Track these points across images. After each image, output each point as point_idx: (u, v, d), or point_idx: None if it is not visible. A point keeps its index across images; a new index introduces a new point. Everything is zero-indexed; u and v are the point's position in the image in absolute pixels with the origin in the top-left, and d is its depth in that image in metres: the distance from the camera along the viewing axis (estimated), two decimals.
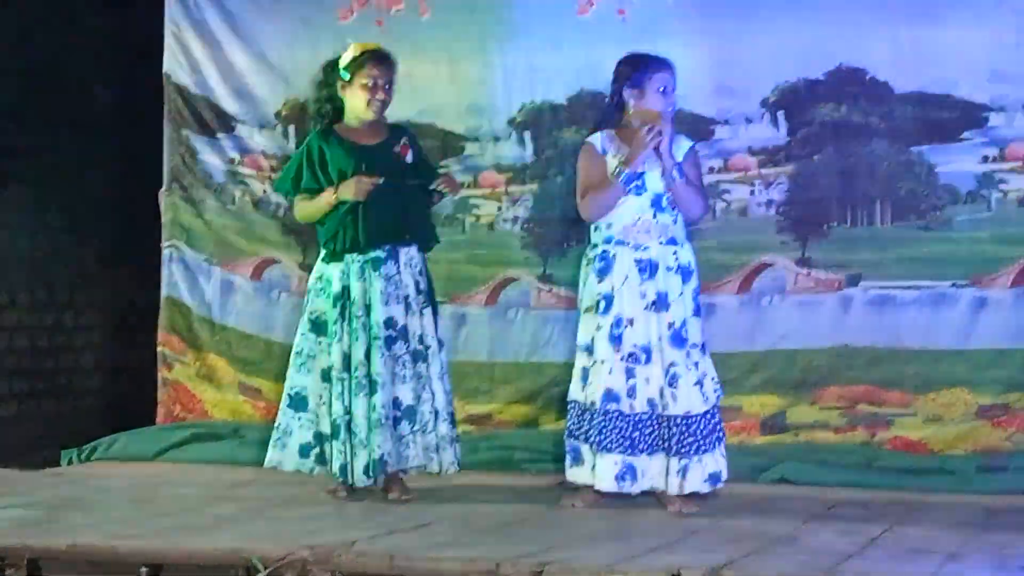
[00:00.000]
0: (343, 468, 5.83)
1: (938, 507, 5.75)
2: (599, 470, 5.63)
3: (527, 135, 7.35)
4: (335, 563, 4.58)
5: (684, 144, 5.73)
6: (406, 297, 5.96)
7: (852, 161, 6.82)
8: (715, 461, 5.62)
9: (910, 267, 6.71)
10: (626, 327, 5.64)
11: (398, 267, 5.97)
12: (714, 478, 5.61)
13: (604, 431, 5.62)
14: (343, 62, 5.99)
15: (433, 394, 5.95)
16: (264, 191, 7.70)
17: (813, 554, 4.70)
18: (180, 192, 7.86)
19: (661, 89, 5.68)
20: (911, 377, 6.67)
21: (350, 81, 5.98)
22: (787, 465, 6.42)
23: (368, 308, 5.91)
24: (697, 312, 5.69)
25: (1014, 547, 4.83)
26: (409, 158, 6.05)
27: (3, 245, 8.19)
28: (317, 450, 5.95)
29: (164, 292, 7.89)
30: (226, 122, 7.79)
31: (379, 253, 5.95)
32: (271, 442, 6.01)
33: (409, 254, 6.03)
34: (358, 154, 5.95)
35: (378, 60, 6.01)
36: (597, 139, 5.77)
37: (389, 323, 5.90)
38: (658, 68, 5.71)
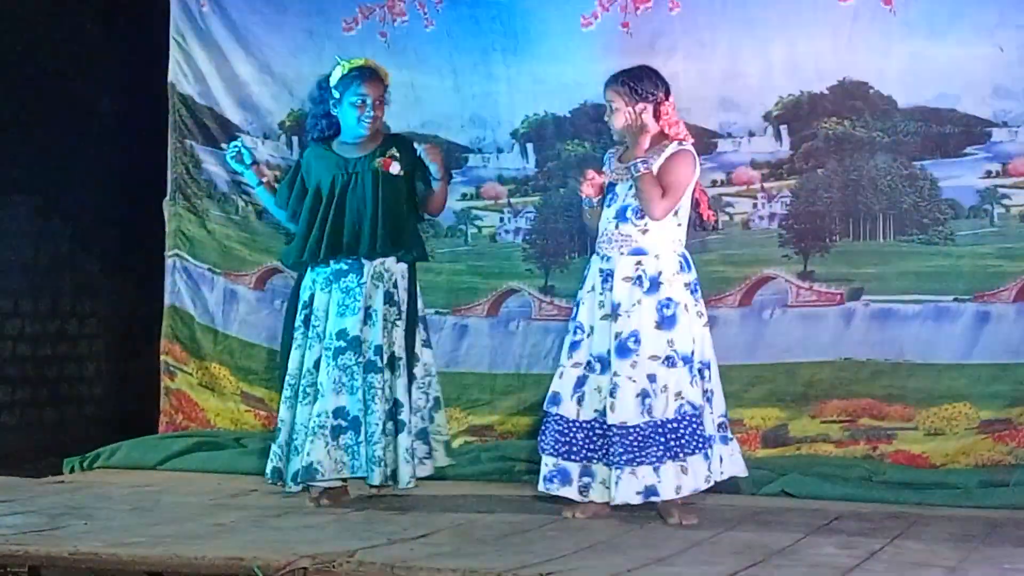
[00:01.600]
0: (275, 471, 6.02)
1: (939, 521, 5.75)
2: (542, 470, 5.80)
3: (530, 147, 7.36)
4: (336, 572, 4.58)
5: (673, 147, 5.76)
6: (367, 308, 5.99)
7: (855, 175, 6.83)
8: (653, 476, 5.56)
9: (912, 281, 6.71)
10: (586, 335, 5.76)
11: (361, 279, 6.01)
12: (648, 491, 5.56)
13: (544, 432, 5.81)
14: (332, 80, 6.11)
15: (397, 406, 5.97)
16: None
17: (814, 567, 4.71)
18: (184, 202, 7.87)
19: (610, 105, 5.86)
20: (913, 391, 6.67)
21: (340, 99, 6.07)
22: (788, 478, 6.42)
23: (326, 318, 6.03)
24: (663, 324, 5.65)
25: (1015, 561, 4.83)
26: (394, 170, 6.09)
27: (7, 254, 8.20)
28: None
29: (167, 301, 7.90)
30: (230, 132, 7.79)
31: (341, 265, 6.07)
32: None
33: (383, 266, 6.06)
34: (335, 167, 6.10)
35: (366, 78, 6.12)
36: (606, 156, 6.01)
37: (341, 334, 6.00)
38: (605, 87, 5.87)
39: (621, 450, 5.59)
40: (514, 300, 7.34)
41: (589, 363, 5.73)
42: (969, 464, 6.48)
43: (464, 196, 7.45)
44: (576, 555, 4.86)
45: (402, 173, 6.12)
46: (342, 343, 5.97)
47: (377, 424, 5.92)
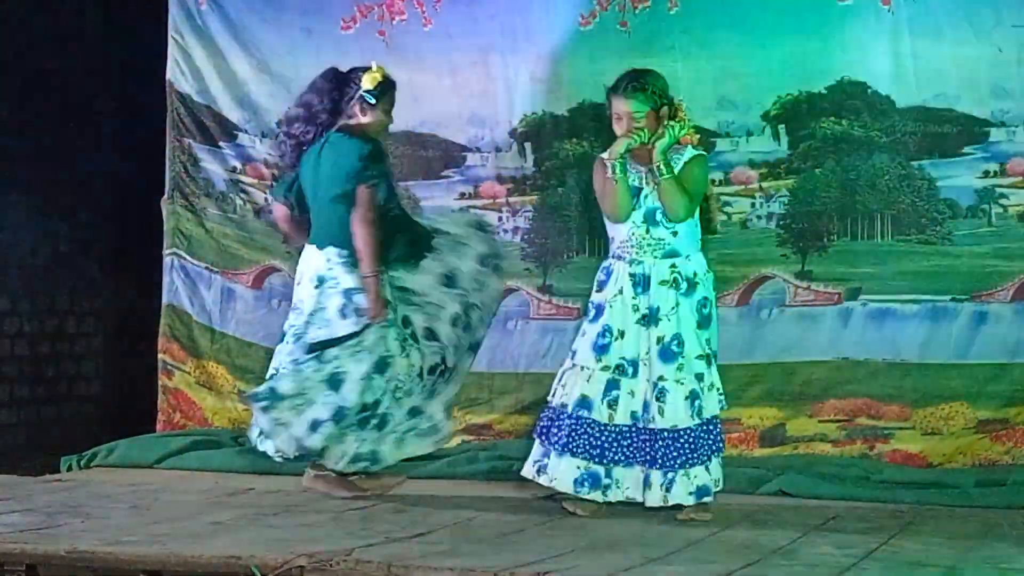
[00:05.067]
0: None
1: (936, 520, 5.74)
2: (560, 471, 5.70)
3: (528, 146, 7.37)
4: (333, 571, 4.58)
5: (689, 152, 5.74)
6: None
7: (853, 175, 6.84)
8: (705, 474, 5.62)
9: (910, 281, 6.72)
10: (615, 339, 5.69)
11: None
12: (702, 491, 5.60)
13: (573, 435, 5.69)
14: (369, 84, 6.00)
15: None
16: (265, 200, 7.72)
17: (811, 567, 4.70)
18: (181, 200, 7.87)
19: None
20: (910, 391, 6.68)
21: (373, 105, 6.01)
22: (786, 477, 6.42)
23: None
24: (703, 323, 5.68)
25: (1012, 561, 4.83)
26: None
27: (5, 252, 8.20)
28: None
29: (165, 300, 7.90)
30: (228, 131, 7.80)
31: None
32: None
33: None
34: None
35: (394, 88, 6.12)
36: None
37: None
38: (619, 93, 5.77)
39: (675, 453, 5.60)
40: (512, 299, 7.33)
41: (620, 367, 5.70)
42: (966, 464, 6.49)
43: (462, 195, 7.45)
44: (573, 554, 4.86)
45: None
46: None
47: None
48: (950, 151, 6.69)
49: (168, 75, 7.86)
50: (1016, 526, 5.58)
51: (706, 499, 5.62)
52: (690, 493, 5.59)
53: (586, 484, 5.72)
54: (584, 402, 5.69)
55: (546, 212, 7.33)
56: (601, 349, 5.68)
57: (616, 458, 5.70)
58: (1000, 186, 6.64)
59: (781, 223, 6.94)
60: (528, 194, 7.38)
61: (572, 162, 7.23)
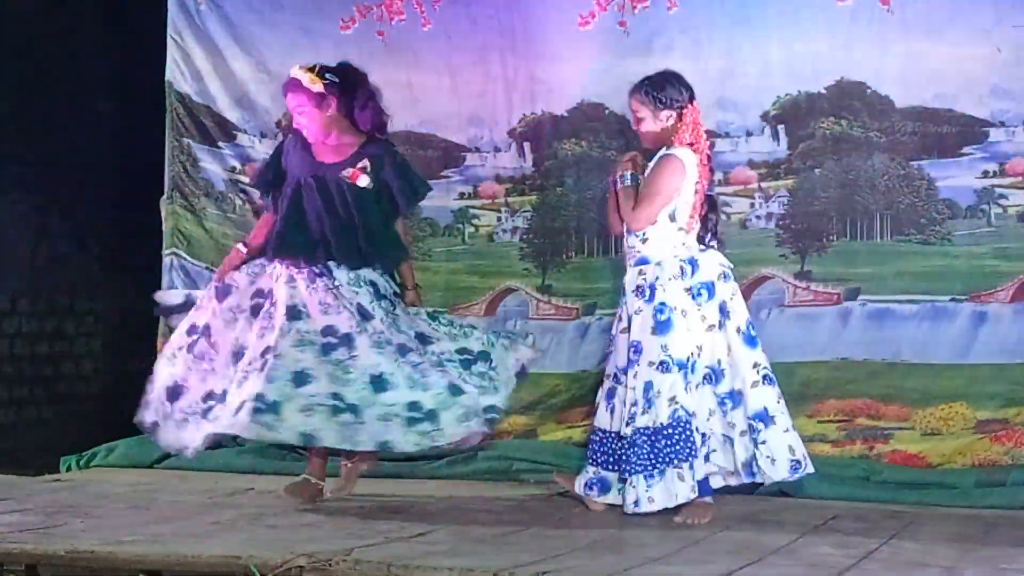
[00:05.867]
0: None
1: (936, 521, 5.75)
2: (581, 475, 5.92)
3: (527, 146, 7.36)
4: (332, 571, 4.58)
5: (659, 154, 5.79)
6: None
7: (852, 175, 6.83)
8: (642, 485, 5.59)
9: (909, 281, 6.72)
10: (611, 348, 5.88)
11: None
12: (636, 503, 5.60)
13: (588, 442, 5.93)
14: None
15: None
16: (265, 199, 7.70)
17: (810, 567, 4.71)
18: (181, 200, 7.85)
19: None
20: (910, 391, 6.67)
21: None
22: None
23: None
24: (658, 330, 5.67)
25: (1012, 561, 4.83)
26: (362, 182, 5.98)
27: (4, 252, 8.20)
28: None
29: None
30: (227, 131, 7.79)
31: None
32: None
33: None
34: (308, 169, 6.03)
35: (287, 89, 6.13)
36: None
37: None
38: (629, 95, 5.89)
39: (624, 457, 5.67)
40: (512, 299, 7.34)
41: (615, 375, 5.83)
42: (966, 464, 6.48)
43: (461, 195, 7.45)
44: (573, 554, 4.86)
45: (370, 186, 6.00)
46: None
47: None
48: (949, 151, 6.69)
49: (167, 75, 7.85)
50: (1016, 526, 5.59)
51: (636, 510, 5.59)
52: (634, 502, 5.62)
53: (595, 488, 5.86)
54: (595, 409, 5.95)
55: (545, 212, 7.32)
56: (605, 358, 5.96)
57: (608, 465, 5.84)
58: (999, 186, 6.64)
59: (780, 223, 6.94)
60: (527, 194, 7.38)
61: (571, 162, 7.23)
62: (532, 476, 6.76)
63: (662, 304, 5.68)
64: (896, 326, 6.72)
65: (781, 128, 6.92)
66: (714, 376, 5.74)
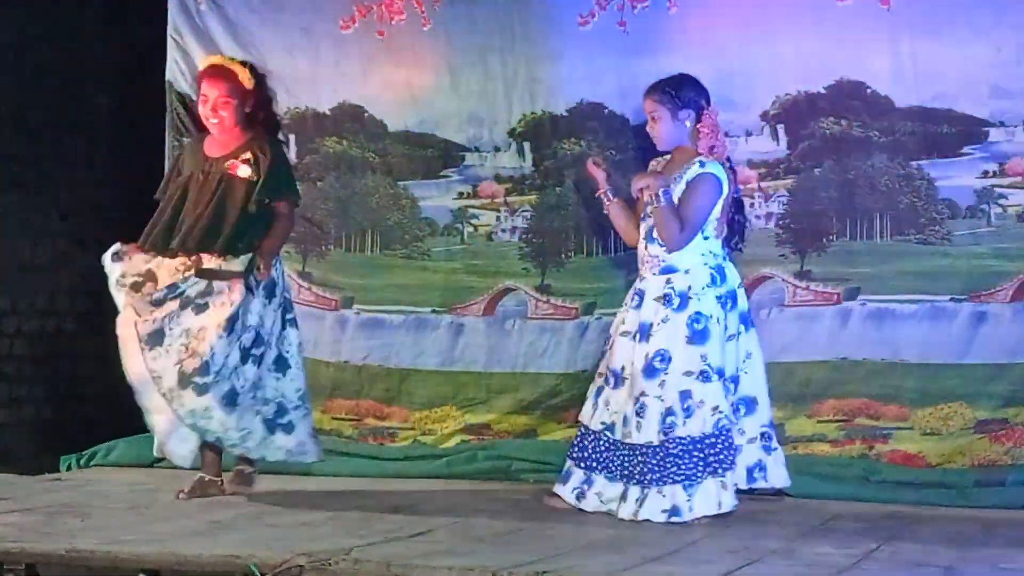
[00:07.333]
0: None
1: (935, 521, 5.76)
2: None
3: (527, 146, 7.37)
4: (332, 570, 4.58)
5: (693, 170, 5.75)
6: None
7: (852, 175, 6.84)
8: (681, 494, 5.55)
9: (909, 281, 6.72)
10: (608, 348, 5.86)
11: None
12: (672, 512, 5.54)
13: (574, 443, 5.90)
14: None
15: None
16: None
17: (810, 567, 4.71)
18: None
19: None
20: (909, 391, 6.67)
21: (196, 96, 6.16)
22: None
23: None
24: (696, 339, 5.64)
25: (1011, 561, 4.84)
26: (242, 172, 6.01)
27: (4, 251, 8.18)
28: None
29: None
30: None
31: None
32: None
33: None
34: (191, 164, 6.11)
35: (208, 75, 6.10)
36: None
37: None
38: (645, 96, 5.91)
39: (648, 469, 5.58)
40: (511, 299, 7.34)
41: (606, 376, 5.82)
42: (965, 464, 6.48)
43: (461, 195, 7.46)
44: (572, 554, 4.86)
45: (253, 177, 6.01)
46: None
47: None
48: (949, 151, 6.69)
49: (167, 75, 7.86)
50: (1015, 526, 5.59)
51: (675, 518, 5.53)
52: (663, 511, 5.55)
53: (584, 495, 5.83)
54: (583, 407, 5.91)
55: (544, 212, 7.33)
56: (602, 356, 5.92)
57: (592, 465, 5.75)
58: (999, 186, 6.64)
59: (780, 223, 6.94)
60: (526, 194, 7.38)
61: (570, 162, 7.23)
62: (532, 476, 6.76)
63: (698, 313, 5.65)
64: (896, 326, 6.72)
65: (781, 128, 6.92)
66: (734, 385, 5.75)
